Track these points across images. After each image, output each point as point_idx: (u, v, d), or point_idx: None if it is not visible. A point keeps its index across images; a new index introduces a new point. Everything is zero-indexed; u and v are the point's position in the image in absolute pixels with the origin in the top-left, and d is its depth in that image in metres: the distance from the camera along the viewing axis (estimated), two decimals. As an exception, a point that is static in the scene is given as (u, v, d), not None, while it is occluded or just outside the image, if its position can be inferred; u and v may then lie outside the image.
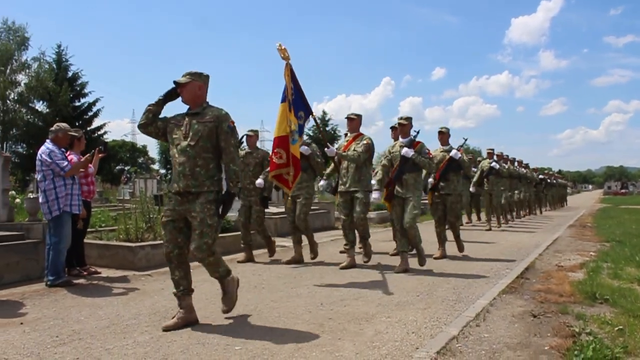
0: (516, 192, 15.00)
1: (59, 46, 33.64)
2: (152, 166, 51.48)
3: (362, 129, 7.09)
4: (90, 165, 6.13)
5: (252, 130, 7.65)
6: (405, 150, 6.33)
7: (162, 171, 45.92)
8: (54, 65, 33.25)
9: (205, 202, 3.94)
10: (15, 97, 31.86)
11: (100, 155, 6.36)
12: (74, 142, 6.15)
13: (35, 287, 5.51)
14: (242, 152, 7.41)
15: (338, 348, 3.52)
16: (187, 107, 4.17)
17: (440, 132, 8.12)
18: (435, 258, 7.44)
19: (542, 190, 20.95)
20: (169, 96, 4.22)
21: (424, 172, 7.04)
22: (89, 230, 7.02)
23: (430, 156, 6.59)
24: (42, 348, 3.57)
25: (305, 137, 7.33)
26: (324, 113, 48.28)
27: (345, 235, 6.97)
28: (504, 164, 13.33)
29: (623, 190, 66.38)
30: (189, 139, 3.98)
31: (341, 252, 7.80)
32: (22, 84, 31.96)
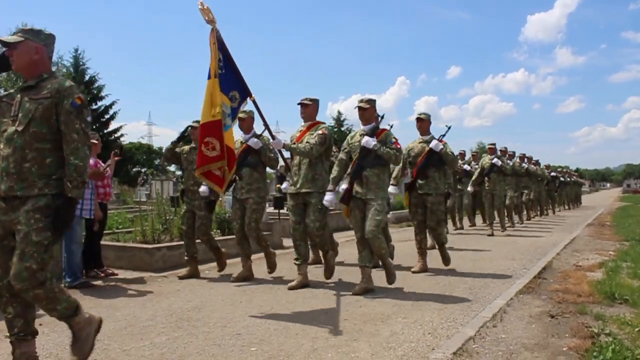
0: (525, 191, 14.10)
1: (76, 50, 34.08)
2: (169, 168, 51.78)
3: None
4: (107, 168, 6.21)
5: (197, 122, 5.93)
6: (365, 139, 5.08)
7: (179, 173, 46.17)
8: (72, 69, 33.63)
9: (31, 211, 2.83)
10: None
11: (116, 158, 6.43)
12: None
13: (53, 288, 5.57)
14: (186, 148, 6.40)
15: (354, 349, 3.51)
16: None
17: (418, 119, 6.59)
18: (413, 272, 6.37)
19: (555, 189, 19.72)
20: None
21: (397, 168, 6.52)
22: (106, 232, 7.09)
23: (398, 147, 5.25)
24: (61, 349, 3.61)
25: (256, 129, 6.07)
26: (339, 113, 48.20)
27: (295, 248, 5.64)
28: (508, 161, 11.84)
29: (643, 188, 65.44)
30: (17, 124, 2.90)
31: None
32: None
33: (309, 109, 5.69)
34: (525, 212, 14.87)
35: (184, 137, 6.40)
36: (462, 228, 12.17)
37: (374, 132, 5.25)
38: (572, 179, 24.37)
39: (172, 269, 6.64)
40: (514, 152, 13.49)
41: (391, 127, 5.48)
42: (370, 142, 5.08)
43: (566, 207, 22.36)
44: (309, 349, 3.53)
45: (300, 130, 5.65)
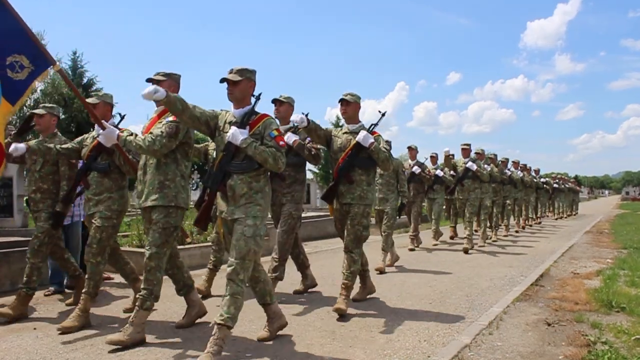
0: (507, 201, 12.32)
1: (75, 53, 34.02)
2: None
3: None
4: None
5: (46, 107, 4.92)
6: (233, 132, 3.45)
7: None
8: (70, 72, 33.65)
9: None
10: (32, 104, 32.26)
11: None
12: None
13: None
14: (33, 143, 4.70)
15: (349, 356, 3.50)
16: None
17: (342, 102, 4.81)
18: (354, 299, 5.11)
19: (549, 196, 18.45)
20: None
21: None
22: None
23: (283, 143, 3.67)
24: (55, 354, 3.59)
25: None
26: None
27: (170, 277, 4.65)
28: (486, 165, 9.85)
29: (642, 196, 65.46)
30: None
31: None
32: (39, 91, 32.31)
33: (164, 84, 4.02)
34: (515, 222, 13.75)
35: (30, 128, 5.03)
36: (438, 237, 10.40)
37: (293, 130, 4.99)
38: (567, 186, 22.50)
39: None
40: (495, 155, 11.75)
41: (306, 115, 4.59)
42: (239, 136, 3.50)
43: (560, 216, 20.73)
44: (304, 355, 3.52)
45: (151, 118, 4.16)
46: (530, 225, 15.19)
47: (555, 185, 19.23)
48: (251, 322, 4.36)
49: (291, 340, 3.86)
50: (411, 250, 9.21)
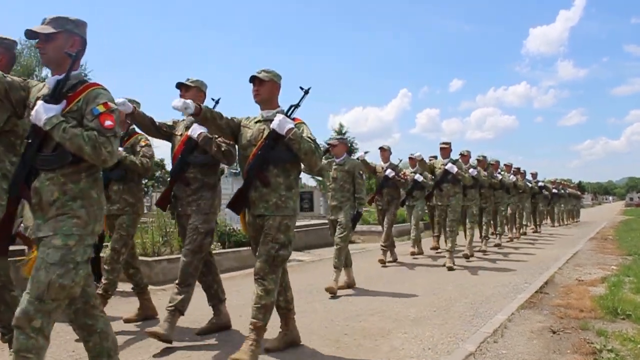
0: (501, 207, 11.37)
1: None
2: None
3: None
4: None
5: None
6: (37, 108, 2.50)
7: (180, 184, 46.04)
8: (73, 80, 33.87)
9: None
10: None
11: None
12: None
13: (52, 301, 5.54)
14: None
15: (353, 365, 3.48)
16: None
17: (253, 80, 3.63)
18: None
19: (548, 202, 17.46)
20: None
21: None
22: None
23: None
24: (57, 363, 3.57)
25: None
26: (341, 126, 48.17)
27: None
28: (473, 169, 8.82)
29: (646, 202, 65.22)
30: None
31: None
32: (42, 98, 32.60)
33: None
34: (508, 230, 12.70)
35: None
36: (420, 253, 9.52)
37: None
38: (568, 191, 21.36)
39: (172, 282, 6.58)
40: (484, 157, 10.14)
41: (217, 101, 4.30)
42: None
43: (560, 223, 19.83)
44: (308, 364, 3.49)
45: None
46: (525, 234, 14.16)
47: (554, 191, 18.08)
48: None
49: (295, 349, 3.85)
50: (382, 263, 8.19)
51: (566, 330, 4.28)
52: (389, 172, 8.13)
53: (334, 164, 6.38)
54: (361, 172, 6.35)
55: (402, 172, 8.47)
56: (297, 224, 11.93)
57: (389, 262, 8.42)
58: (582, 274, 7.24)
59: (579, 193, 26.55)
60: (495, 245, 10.49)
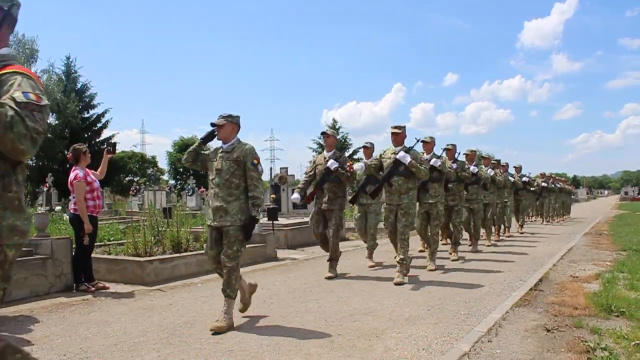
0: (474, 206, 9.74)
1: (68, 58, 34.04)
2: (162, 177, 51.42)
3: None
4: (95, 180, 6.24)
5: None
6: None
7: (172, 182, 46.03)
8: (63, 77, 33.60)
9: None
10: (24, 109, 32.20)
11: (109, 155, 6.51)
12: (80, 156, 6.17)
13: (43, 303, 5.50)
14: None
15: (346, 366, 3.45)
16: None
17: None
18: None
19: (537, 197, 16.59)
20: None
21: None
22: (97, 244, 7.02)
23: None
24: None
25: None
26: (334, 121, 48.11)
27: None
28: (436, 159, 7.51)
29: (640, 196, 65.41)
30: None
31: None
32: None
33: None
34: (485, 231, 11.14)
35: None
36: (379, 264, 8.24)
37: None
38: (558, 186, 19.81)
39: (165, 282, 6.57)
40: (453, 146, 8.82)
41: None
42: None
43: (549, 221, 18.47)
44: (300, 366, 3.46)
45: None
46: (510, 235, 12.89)
47: (544, 184, 16.97)
48: (251, 330, 4.31)
49: (289, 350, 3.81)
50: (329, 278, 6.77)
51: (560, 329, 4.26)
52: (331, 163, 6.63)
53: (219, 151, 4.66)
54: (255, 161, 4.56)
55: (347, 164, 6.79)
56: (292, 222, 11.96)
57: (378, 263, 7.88)
58: (577, 270, 7.24)
59: (570, 188, 24.98)
60: (453, 260, 8.44)
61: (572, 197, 28.68)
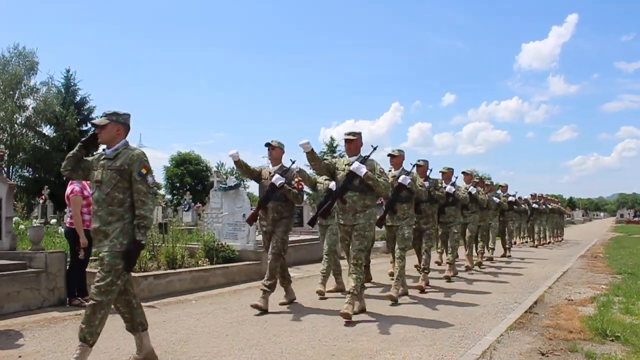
0: (454, 229, 8.81)
1: (68, 71, 34.21)
2: (159, 192, 51.40)
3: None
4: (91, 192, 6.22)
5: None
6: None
7: (168, 197, 45.98)
8: (63, 90, 33.73)
9: None
10: (23, 121, 32.20)
11: None
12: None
13: (35, 317, 5.45)
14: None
15: (339, 388, 3.42)
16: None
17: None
18: None
19: (527, 219, 16.00)
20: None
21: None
22: (92, 258, 6.98)
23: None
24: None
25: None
26: (332, 139, 48.17)
27: None
28: (405, 176, 6.59)
29: (636, 219, 65.49)
30: None
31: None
32: (30, 108, 32.32)
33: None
34: (466, 254, 10.15)
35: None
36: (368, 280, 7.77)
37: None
38: (550, 206, 18.66)
39: (159, 298, 6.53)
40: (425, 162, 7.73)
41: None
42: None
43: (540, 243, 17.30)
44: (293, 387, 3.43)
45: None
46: (491, 259, 11.74)
47: (534, 205, 16.33)
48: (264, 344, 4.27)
49: (281, 370, 3.78)
50: (256, 307, 5.75)
51: (555, 352, 4.24)
52: (276, 179, 5.87)
53: (102, 157, 3.85)
54: (144, 170, 3.70)
55: (296, 179, 6.07)
56: (301, 238, 11.89)
57: (329, 291, 6.99)
58: (572, 293, 7.22)
59: (562, 208, 23.26)
60: (420, 292, 7.23)
61: (567, 218, 27.39)
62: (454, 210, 8.81)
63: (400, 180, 6.51)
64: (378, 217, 6.39)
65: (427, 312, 5.88)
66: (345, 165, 5.64)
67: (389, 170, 6.76)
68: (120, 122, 3.83)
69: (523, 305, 6.23)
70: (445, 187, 8.25)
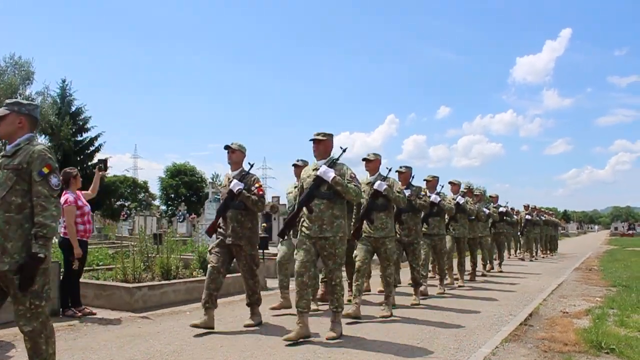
0: (438, 243, 8.23)
1: (64, 81, 34.36)
2: (153, 203, 51.31)
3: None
4: (86, 204, 6.22)
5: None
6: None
7: (163, 208, 45.90)
8: (58, 100, 33.78)
9: None
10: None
11: (100, 172, 6.54)
12: (70, 180, 6.17)
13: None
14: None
15: (334, 400, 3.40)
16: None
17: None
18: None
19: (521, 231, 15.91)
20: None
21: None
22: (85, 268, 6.96)
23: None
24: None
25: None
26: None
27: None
28: (382, 182, 6.07)
29: (630, 232, 65.78)
30: None
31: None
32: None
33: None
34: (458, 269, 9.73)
35: None
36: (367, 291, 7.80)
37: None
38: (543, 218, 18.26)
39: (153, 309, 6.49)
40: (408, 168, 7.44)
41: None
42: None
43: (531, 257, 16.81)
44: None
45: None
46: (484, 275, 11.36)
47: (527, 217, 16.00)
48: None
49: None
50: (250, 326, 5.59)
51: (550, 365, 4.24)
52: (234, 185, 5.36)
53: (1, 155, 3.26)
54: (46, 170, 3.10)
55: (257, 185, 5.49)
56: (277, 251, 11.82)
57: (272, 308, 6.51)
58: (567, 306, 7.23)
59: (556, 220, 23.02)
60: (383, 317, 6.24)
61: (561, 230, 27.13)
62: (439, 222, 8.26)
63: (375, 186, 5.99)
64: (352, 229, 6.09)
65: (421, 325, 5.86)
66: (313, 170, 5.12)
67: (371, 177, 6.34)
68: (22, 112, 3.26)
69: (518, 317, 6.23)
70: (429, 196, 7.79)
